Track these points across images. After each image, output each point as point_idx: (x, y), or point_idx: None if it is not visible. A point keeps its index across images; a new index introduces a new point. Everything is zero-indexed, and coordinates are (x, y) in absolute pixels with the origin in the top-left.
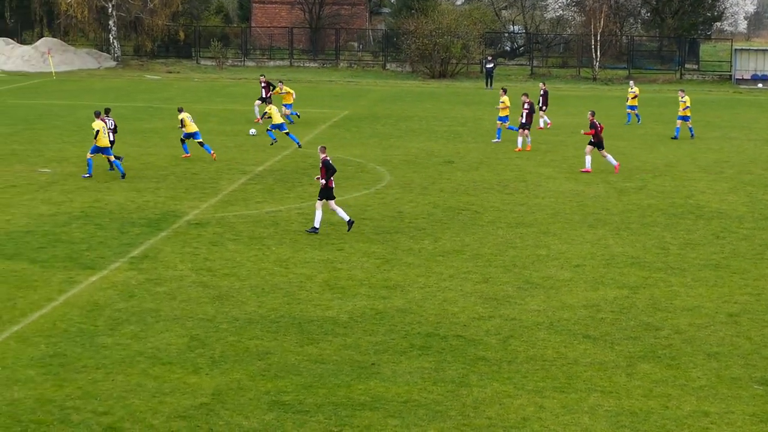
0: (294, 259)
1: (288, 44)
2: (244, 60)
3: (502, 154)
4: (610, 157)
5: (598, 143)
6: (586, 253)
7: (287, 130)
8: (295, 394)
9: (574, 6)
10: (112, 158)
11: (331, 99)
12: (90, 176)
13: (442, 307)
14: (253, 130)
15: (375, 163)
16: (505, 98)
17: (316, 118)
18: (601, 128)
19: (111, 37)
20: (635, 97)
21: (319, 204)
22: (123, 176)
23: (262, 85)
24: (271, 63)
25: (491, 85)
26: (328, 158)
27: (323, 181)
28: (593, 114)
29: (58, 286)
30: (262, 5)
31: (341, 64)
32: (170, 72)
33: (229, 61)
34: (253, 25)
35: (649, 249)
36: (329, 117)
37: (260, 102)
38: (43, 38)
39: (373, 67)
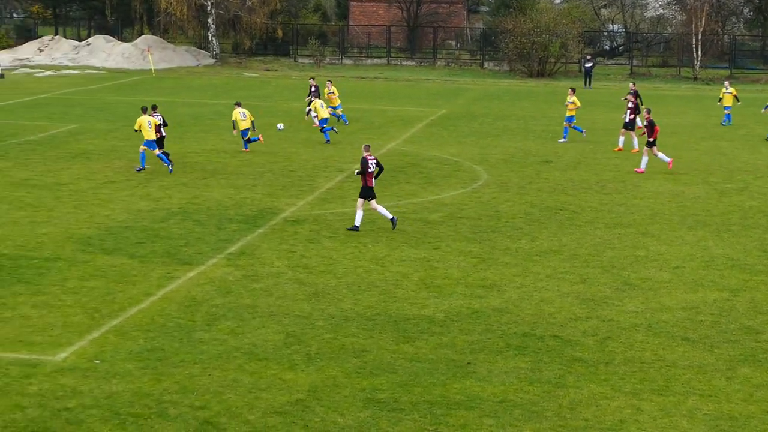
0: (390, 257)
1: (385, 42)
2: (341, 58)
3: (601, 153)
4: (662, 155)
5: (652, 142)
6: (686, 255)
7: (325, 126)
8: (391, 392)
9: (674, 5)
10: (157, 152)
11: (428, 97)
12: (143, 169)
13: (538, 307)
14: (280, 125)
15: (472, 162)
16: (573, 98)
17: (412, 117)
18: (657, 128)
19: (210, 35)
20: (732, 96)
21: (359, 203)
22: (170, 169)
23: (312, 88)
24: (368, 61)
25: (590, 84)
26: (369, 157)
27: (361, 173)
28: (649, 111)
29: (157, 281)
30: (359, 3)
31: (438, 62)
32: (268, 70)
33: (327, 59)
34: (350, 23)
35: (750, 251)
36: (426, 115)
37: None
38: (143, 36)
39: (470, 65)
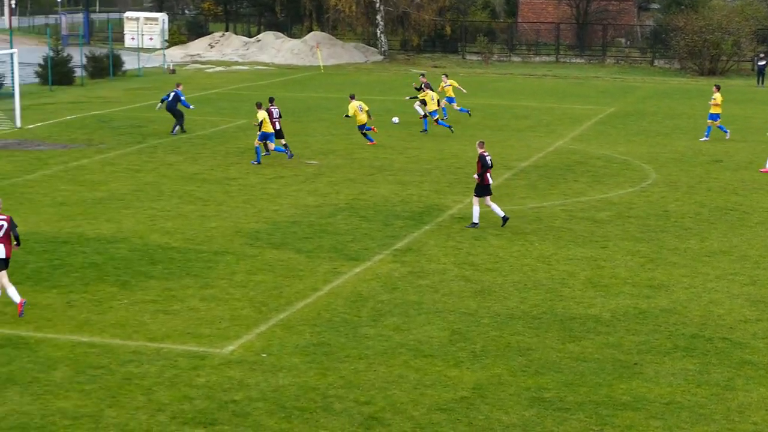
0: (557, 255)
1: (554, 40)
2: (509, 55)
3: None
4: None
5: None
6: None
7: (437, 117)
8: (556, 391)
9: None
10: (273, 146)
11: (597, 95)
12: (258, 163)
13: (707, 308)
14: (395, 119)
15: (640, 161)
16: (717, 95)
17: (581, 115)
18: None
19: (378, 32)
20: None
21: (475, 200)
22: (290, 156)
23: (422, 84)
24: (537, 59)
25: (763, 83)
26: (485, 154)
27: (476, 176)
28: None
29: (323, 276)
30: (529, 0)
31: (608, 60)
32: (436, 66)
33: (495, 57)
34: (519, 20)
35: None
36: (595, 113)
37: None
38: (312, 32)
39: (640, 63)
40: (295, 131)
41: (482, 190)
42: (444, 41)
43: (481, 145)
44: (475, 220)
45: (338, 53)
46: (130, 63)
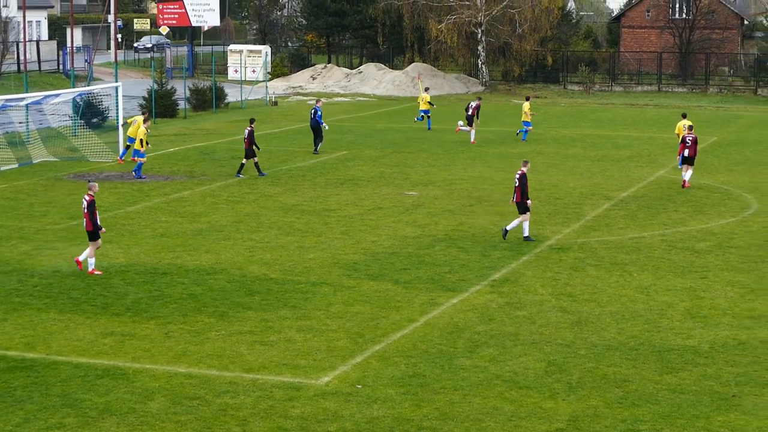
0: (656, 286)
1: (656, 69)
2: (611, 85)
3: None
4: None
5: None
6: None
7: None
8: (652, 423)
9: None
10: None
11: (699, 124)
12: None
13: None
14: (462, 124)
15: (742, 190)
16: None
17: None
18: None
19: (480, 62)
20: None
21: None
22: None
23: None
24: (639, 88)
25: None
26: (525, 173)
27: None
28: None
29: (420, 308)
30: (631, 30)
31: (710, 89)
32: (537, 97)
33: (597, 86)
34: (621, 50)
35: None
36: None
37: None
38: (414, 63)
39: (743, 92)
40: (395, 162)
41: (522, 207)
42: (545, 71)
43: (525, 164)
44: (526, 233)
45: (439, 84)
46: (232, 95)
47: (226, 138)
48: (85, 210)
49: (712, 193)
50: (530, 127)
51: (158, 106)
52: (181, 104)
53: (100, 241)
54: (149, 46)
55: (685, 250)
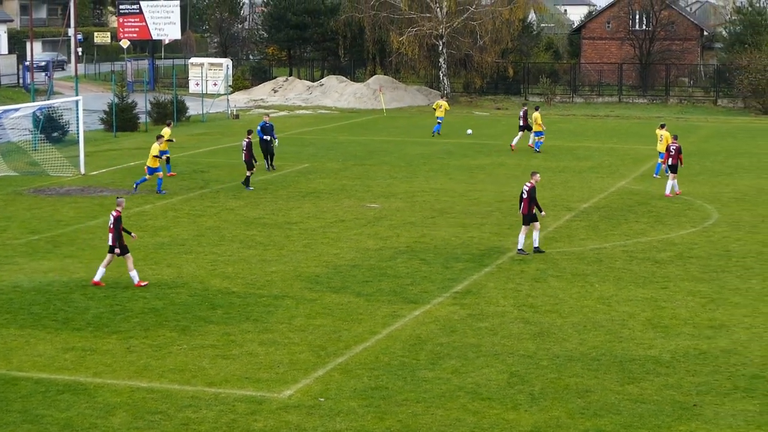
0: (617, 296)
1: (617, 80)
2: (572, 96)
3: None
4: None
5: None
6: None
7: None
8: None
9: None
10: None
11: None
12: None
13: None
14: (469, 131)
15: (702, 201)
16: None
17: (643, 155)
18: None
19: (441, 74)
20: None
21: (534, 226)
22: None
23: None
24: (599, 99)
25: None
26: (533, 186)
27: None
28: None
29: (382, 320)
30: (592, 41)
31: (671, 100)
32: (498, 108)
33: (558, 98)
34: (582, 61)
35: None
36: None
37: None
38: (375, 76)
39: (703, 103)
40: (357, 175)
41: (527, 218)
42: (507, 83)
43: (533, 174)
44: (536, 244)
45: (400, 96)
46: (193, 108)
47: (188, 151)
48: (111, 226)
49: (672, 204)
50: (542, 137)
51: (119, 119)
52: (142, 118)
53: (129, 254)
54: (42, 64)
55: (646, 261)
